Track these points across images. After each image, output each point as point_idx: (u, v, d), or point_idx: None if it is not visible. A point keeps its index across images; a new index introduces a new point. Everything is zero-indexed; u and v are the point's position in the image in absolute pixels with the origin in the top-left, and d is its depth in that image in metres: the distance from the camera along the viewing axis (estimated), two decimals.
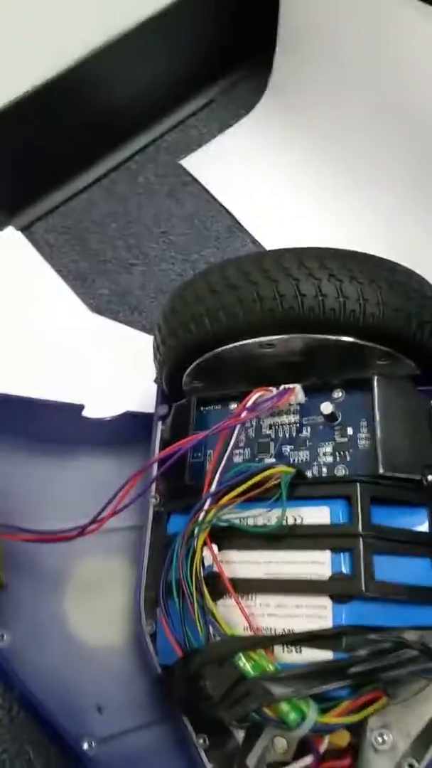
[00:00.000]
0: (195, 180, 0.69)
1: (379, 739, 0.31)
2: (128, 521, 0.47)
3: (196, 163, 0.69)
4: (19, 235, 0.65)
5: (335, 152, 0.65)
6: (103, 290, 0.62)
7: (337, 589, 0.29)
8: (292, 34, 0.65)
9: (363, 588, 0.29)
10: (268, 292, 0.34)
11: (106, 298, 0.62)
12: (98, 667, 0.40)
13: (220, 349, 0.37)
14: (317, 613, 0.29)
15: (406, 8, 0.53)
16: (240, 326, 0.35)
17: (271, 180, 0.67)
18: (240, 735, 0.33)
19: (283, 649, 0.29)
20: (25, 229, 0.66)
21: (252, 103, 0.72)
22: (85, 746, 0.33)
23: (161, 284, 0.62)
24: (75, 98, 0.63)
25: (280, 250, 0.36)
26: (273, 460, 0.35)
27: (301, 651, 0.29)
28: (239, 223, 0.65)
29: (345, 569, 0.30)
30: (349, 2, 0.57)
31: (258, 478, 0.33)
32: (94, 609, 0.42)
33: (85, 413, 0.43)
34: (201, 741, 0.34)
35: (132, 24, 0.63)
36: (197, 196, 0.68)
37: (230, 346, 0.36)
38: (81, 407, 0.43)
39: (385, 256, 0.37)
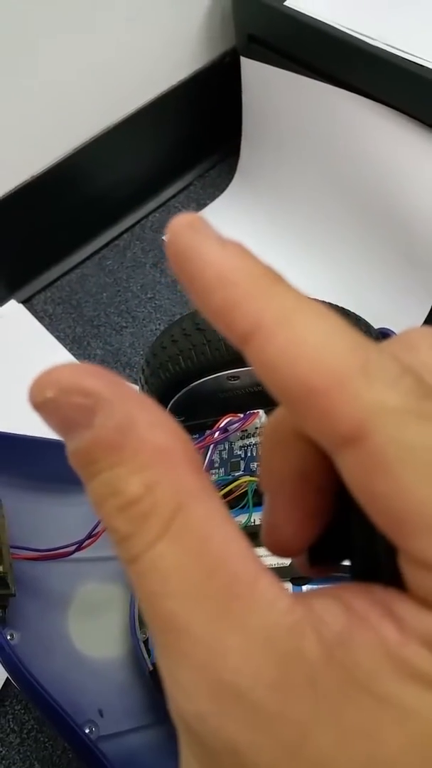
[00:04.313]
0: None
1: None
2: None
3: None
4: (20, 307, 0.72)
5: (296, 222, 0.74)
6: (97, 350, 0.69)
7: (295, 574, 0.35)
8: (254, 125, 0.76)
9: None
10: None
11: (100, 357, 0.69)
12: (99, 676, 0.44)
13: (196, 382, 0.43)
14: None
15: (347, 99, 0.62)
16: (209, 362, 0.42)
17: None
18: None
19: None
20: (26, 302, 0.73)
21: (224, 185, 0.82)
22: (87, 731, 0.37)
23: (149, 343, 0.69)
24: (69, 185, 0.72)
25: None
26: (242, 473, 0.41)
27: None
28: None
29: None
30: (297, 97, 0.67)
31: (229, 487, 0.39)
32: (94, 627, 0.47)
33: None
34: None
35: (119, 119, 0.72)
36: None
37: (204, 379, 0.43)
38: None
39: (339, 302, 0.44)
